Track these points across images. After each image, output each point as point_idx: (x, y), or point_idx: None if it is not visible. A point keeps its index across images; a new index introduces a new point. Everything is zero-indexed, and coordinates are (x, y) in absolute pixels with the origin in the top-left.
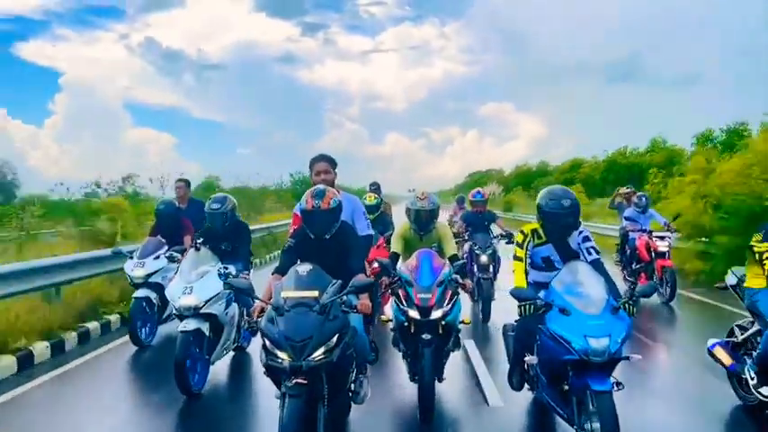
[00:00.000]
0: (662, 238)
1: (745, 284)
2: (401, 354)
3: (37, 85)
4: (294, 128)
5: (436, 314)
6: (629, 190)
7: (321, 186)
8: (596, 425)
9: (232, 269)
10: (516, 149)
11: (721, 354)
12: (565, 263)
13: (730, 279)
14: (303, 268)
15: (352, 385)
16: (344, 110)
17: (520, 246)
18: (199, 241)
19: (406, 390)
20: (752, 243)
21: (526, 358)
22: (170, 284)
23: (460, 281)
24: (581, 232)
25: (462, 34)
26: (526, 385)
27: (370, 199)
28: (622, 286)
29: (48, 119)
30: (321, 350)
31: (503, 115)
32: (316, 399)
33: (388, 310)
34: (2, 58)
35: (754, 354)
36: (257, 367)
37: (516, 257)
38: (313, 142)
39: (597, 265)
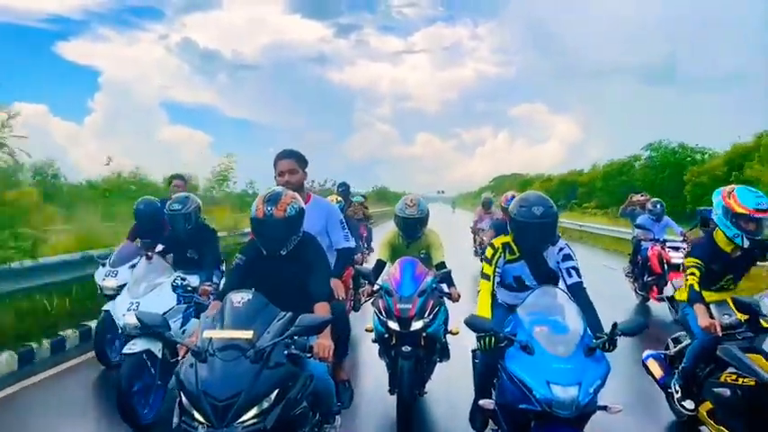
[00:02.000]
0: (676, 248)
1: (676, 297)
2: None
3: (77, 83)
4: (325, 128)
5: (416, 325)
6: (642, 197)
7: (278, 189)
8: None
9: (193, 279)
10: (549, 152)
11: (654, 366)
12: (539, 283)
13: (668, 290)
14: (239, 297)
15: None
16: (375, 110)
17: (488, 262)
18: (158, 249)
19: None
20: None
21: (480, 402)
22: (116, 300)
23: (446, 290)
24: (561, 249)
25: (495, 35)
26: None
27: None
28: (634, 300)
29: (88, 116)
30: (252, 412)
31: (535, 116)
32: None
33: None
34: (45, 57)
35: (680, 367)
36: None
37: (483, 275)
38: (344, 142)
39: (576, 291)
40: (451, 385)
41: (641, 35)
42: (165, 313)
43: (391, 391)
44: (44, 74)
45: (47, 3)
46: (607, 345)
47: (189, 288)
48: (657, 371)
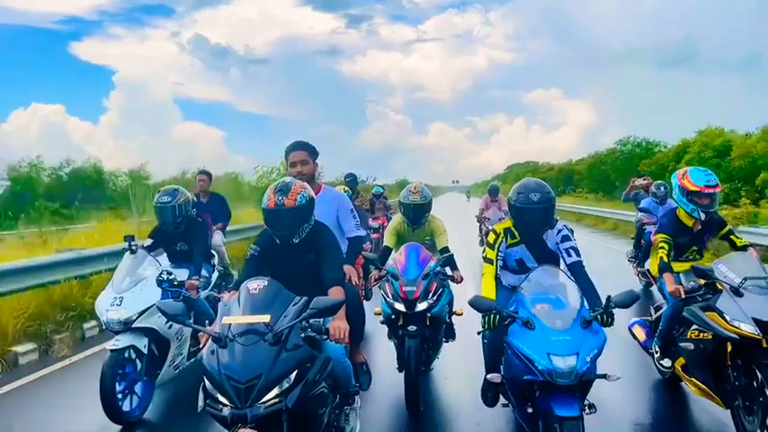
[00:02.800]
0: None
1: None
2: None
3: (92, 83)
4: (339, 120)
5: (421, 306)
6: (644, 181)
7: (287, 179)
8: None
9: (181, 273)
10: (565, 137)
11: (638, 331)
12: (540, 265)
13: (648, 264)
14: (255, 285)
15: (339, 417)
16: (388, 101)
17: (491, 246)
18: (147, 242)
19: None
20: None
21: (488, 376)
22: (99, 296)
23: (449, 273)
24: (560, 231)
25: (508, 20)
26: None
27: None
28: (636, 286)
29: (103, 115)
30: (273, 392)
31: (550, 102)
32: None
33: None
34: (60, 57)
35: (658, 329)
36: None
37: (486, 260)
38: (357, 133)
39: (577, 269)
40: (457, 363)
41: (657, 18)
42: (148, 308)
43: (399, 369)
44: (60, 74)
45: (60, 4)
46: (605, 318)
47: (175, 282)
48: (641, 335)
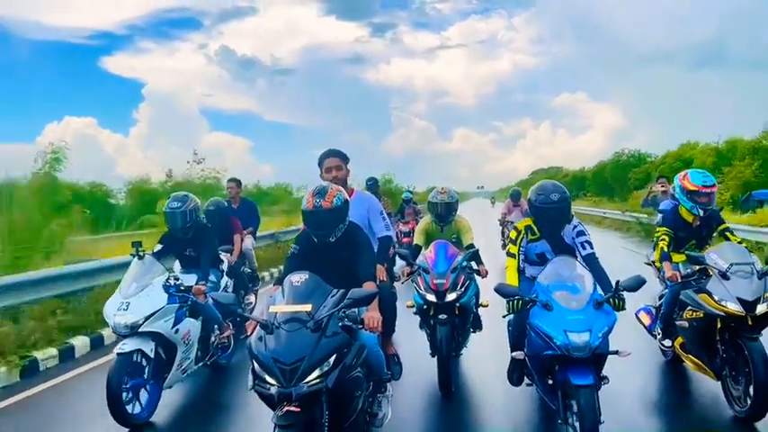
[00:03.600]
0: None
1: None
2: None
3: (123, 96)
4: (363, 127)
5: (450, 297)
6: (662, 187)
7: (324, 183)
8: (578, 422)
9: (188, 279)
10: (592, 141)
11: (644, 317)
12: (557, 255)
13: (652, 256)
14: (297, 278)
15: (372, 404)
16: (412, 107)
17: (513, 242)
18: (157, 248)
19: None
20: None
21: (512, 354)
22: (108, 301)
23: (475, 267)
24: (575, 227)
25: (532, 25)
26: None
27: None
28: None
29: (133, 127)
30: (315, 374)
31: (576, 105)
32: (314, 428)
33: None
34: (91, 71)
35: (660, 313)
36: (235, 387)
37: (509, 254)
38: (382, 140)
39: (591, 260)
40: (484, 351)
41: (683, 18)
42: (154, 313)
43: (432, 354)
44: (91, 88)
45: (90, 20)
46: (616, 301)
47: (182, 287)
48: (646, 320)
